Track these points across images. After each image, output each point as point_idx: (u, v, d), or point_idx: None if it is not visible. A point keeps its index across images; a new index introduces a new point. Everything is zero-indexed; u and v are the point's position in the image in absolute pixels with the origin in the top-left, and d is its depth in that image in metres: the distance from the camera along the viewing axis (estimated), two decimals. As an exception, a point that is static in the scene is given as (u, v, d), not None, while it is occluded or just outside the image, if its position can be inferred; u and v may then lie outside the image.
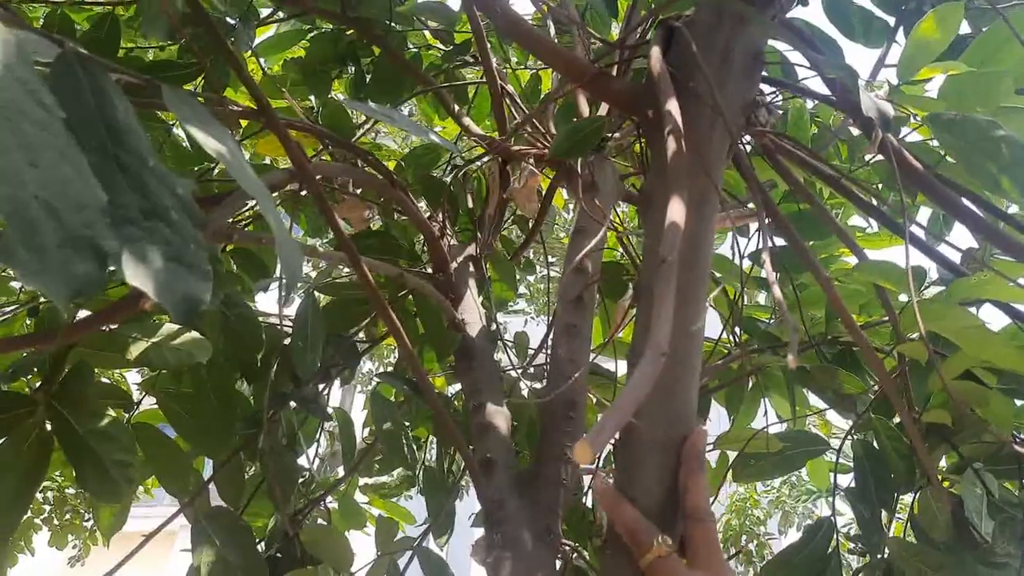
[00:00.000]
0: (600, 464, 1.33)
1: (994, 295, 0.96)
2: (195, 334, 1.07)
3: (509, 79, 1.73)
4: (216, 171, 1.56)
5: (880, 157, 0.89)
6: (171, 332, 1.05)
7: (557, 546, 1.03)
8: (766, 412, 1.38)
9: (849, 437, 1.29)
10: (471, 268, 1.47)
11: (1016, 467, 1.19)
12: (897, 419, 1.23)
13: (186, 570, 1.12)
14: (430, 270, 1.46)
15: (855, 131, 1.30)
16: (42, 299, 1.19)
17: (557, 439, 1.10)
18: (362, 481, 1.79)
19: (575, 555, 1.27)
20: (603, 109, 1.41)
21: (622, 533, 0.71)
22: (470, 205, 1.65)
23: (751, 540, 7.53)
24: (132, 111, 0.53)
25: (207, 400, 1.21)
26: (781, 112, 1.34)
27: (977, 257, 1.18)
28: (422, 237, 1.50)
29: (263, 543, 1.32)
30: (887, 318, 1.18)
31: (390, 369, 1.82)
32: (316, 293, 1.36)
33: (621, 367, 1.43)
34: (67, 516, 3.96)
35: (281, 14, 1.64)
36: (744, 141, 1.07)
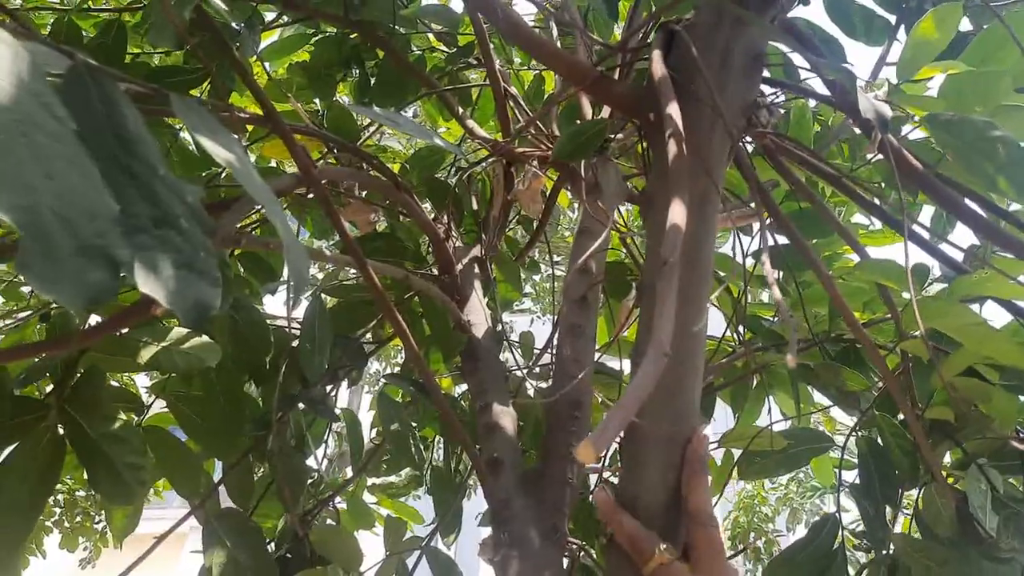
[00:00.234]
0: (606, 463, 1.33)
1: (995, 292, 0.97)
2: (205, 338, 1.08)
3: (512, 80, 1.74)
4: (223, 175, 1.57)
5: (880, 156, 0.90)
6: (181, 336, 1.07)
7: (564, 544, 1.04)
8: (770, 410, 1.39)
9: (853, 434, 1.30)
10: (476, 269, 1.48)
11: (1020, 463, 1.20)
12: (901, 416, 1.23)
13: (197, 572, 1.14)
14: (435, 272, 1.48)
15: (857, 130, 1.30)
16: (53, 305, 1.21)
17: (563, 438, 1.11)
18: (370, 481, 1.80)
19: (582, 553, 1.28)
20: (606, 111, 1.42)
21: (623, 543, 0.72)
22: (475, 207, 1.66)
23: (759, 537, 7.53)
24: (141, 121, 0.54)
25: (217, 403, 1.22)
26: (783, 112, 1.35)
27: (978, 255, 1.19)
28: (427, 239, 1.52)
29: (273, 544, 1.33)
30: (890, 316, 1.18)
31: (397, 370, 1.83)
32: (323, 295, 1.37)
33: (626, 366, 1.44)
34: (78, 519, 3.98)
35: (285, 19, 1.65)
36: (745, 142, 1.08)
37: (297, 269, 0.61)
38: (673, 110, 0.77)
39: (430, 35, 1.79)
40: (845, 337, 1.39)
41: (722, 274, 1.44)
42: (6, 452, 0.97)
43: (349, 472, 1.60)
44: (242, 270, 1.51)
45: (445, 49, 1.80)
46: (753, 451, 1.28)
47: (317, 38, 1.69)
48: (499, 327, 1.44)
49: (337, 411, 1.42)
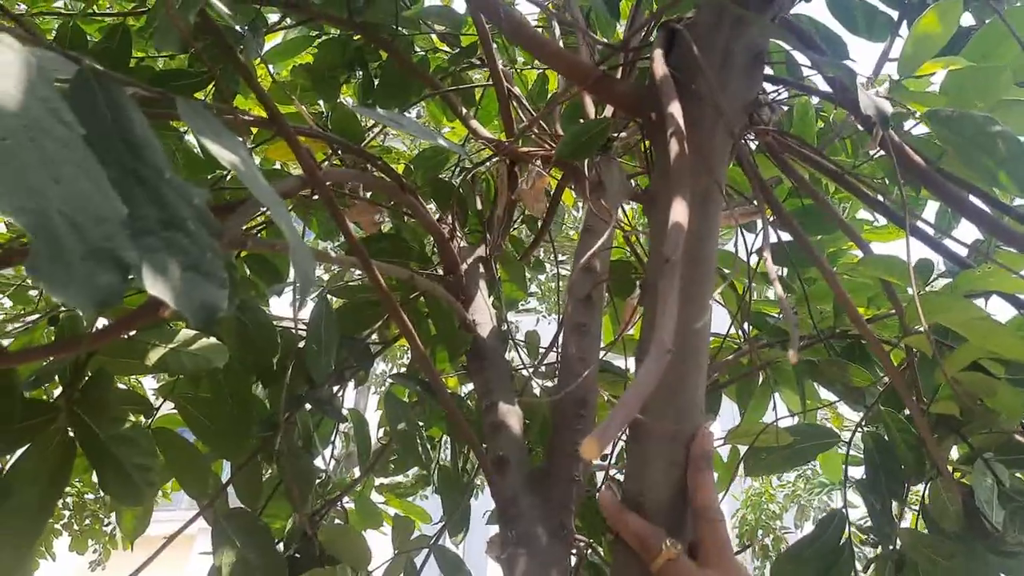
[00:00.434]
0: (611, 461, 1.34)
1: (999, 287, 0.97)
2: (212, 339, 1.09)
3: (515, 80, 1.75)
4: (228, 178, 1.58)
5: (882, 153, 0.90)
6: (188, 338, 1.07)
7: (571, 541, 1.05)
8: (775, 407, 1.39)
9: (859, 430, 1.30)
10: (481, 269, 1.49)
11: (1026, 457, 1.20)
12: (907, 411, 1.23)
13: (205, 573, 1.14)
14: (441, 272, 1.48)
15: (860, 127, 1.31)
16: (62, 308, 1.22)
17: (569, 436, 1.12)
18: (378, 481, 1.81)
19: (589, 551, 1.29)
20: (608, 110, 1.42)
21: (630, 542, 0.73)
22: (479, 207, 1.66)
23: (767, 534, 7.52)
24: (148, 125, 0.55)
25: (224, 404, 1.23)
26: (785, 110, 1.35)
27: (981, 250, 1.19)
28: (432, 239, 1.52)
29: (281, 544, 1.34)
30: (894, 311, 1.18)
31: (403, 370, 1.84)
32: (329, 296, 1.38)
33: (631, 365, 1.45)
34: (87, 521, 4.01)
35: (288, 21, 1.66)
36: (748, 140, 1.08)
37: (303, 270, 0.62)
38: (675, 109, 0.77)
39: (433, 36, 1.79)
40: (850, 333, 1.39)
41: (726, 271, 1.44)
42: (16, 455, 0.98)
43: (356, 472, 1.60)
44: (248, 272, 1.52)
45: (448, 50, 1.81)
46: (759, 447, 1.29)
47: (320, 40, 1.70)
48: (504, 326, 1.45)
49: (344, 412, 1.43)
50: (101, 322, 1.13)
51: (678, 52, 0.93)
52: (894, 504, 1.23)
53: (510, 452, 1.13)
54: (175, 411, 1.24)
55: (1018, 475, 1.20)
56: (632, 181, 1.47)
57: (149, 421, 1.23)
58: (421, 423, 1.54)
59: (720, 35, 0.90)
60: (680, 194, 0.67)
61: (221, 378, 1.23)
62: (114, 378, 1.04)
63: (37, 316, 1.30)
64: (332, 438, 1.64)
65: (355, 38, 1.65)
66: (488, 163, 1.63)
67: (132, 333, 1.07)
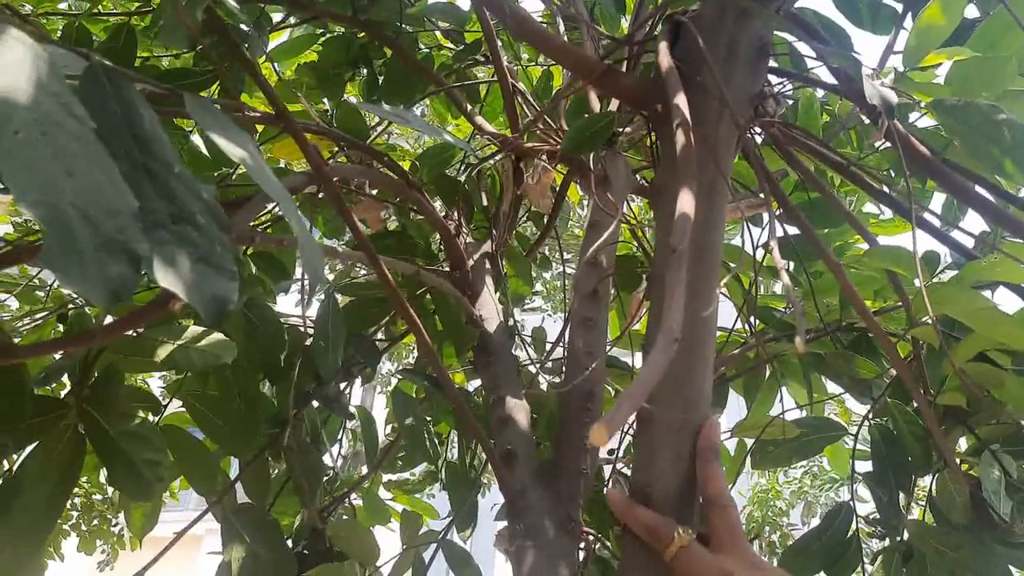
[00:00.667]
0: (618, 455, 1.34)
1: (1005, 277, 0.97)
2: (220, 336, 1.09)
3: (520, 77, 1.75)
4: (234, 176, 1.58)
5: (888, 144, 0.90)
6: (196, 334, 1.08)
7: (579, 534, 1.05)
8: (782, 399, 1.39)
9: (866, 422, 1.30)
10: (487, 265, 1.49)
11: (1033, 448, 1.20)
12: (914, 403, 1.24)
13: (213, 573, 1.15)
14: (447, 268, 1.48)
15: (866, 119, 1.31)
16: (71, 305, 1.22)
17: (576, 430, 1.12)
18: (385, 478, 1.81)
19: (598, 544, 1.29)
20: (614, 105, 1.42)
21: (642, 535, 0.73)
22: (484, 203, 1.66)
23: (774, 531, 7.51)
24: (157, 120, 0.56)
25: (233, 401, 1.23)
26: (791, 102, 1.35)
27: (987, 241, 1.19)
28: (438, 236, 1.52)
29: (290, 540, 1.34)
30: (901, 304, 1.18)
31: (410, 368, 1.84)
32: (336, 294, 1.38)
33: (638, 360, 1.45)
34: (95, 522, 4.02)
35: (293, 19, 1.66)
36: (753, 132, 1.08)
37: (311, 265, 0.62)
38: (680, 100, 0.77)
39: (437, 33, 1.80)
40: (856, 326, 1.39)
41: (732, 265, 1.44)
42: (25, 452, 0.99)
43: (364, 470, 1.61)
44: (255, 269, 1.53)
45: (452, 47, 1.81)
46: (766, 440, 1.29)
47: (325, 38, 1.70)
48: (511, 321, 1.45)
49: (351, 409, 1.43)
50: (108, 320, 1.14)
51: (683, 45, 0.93)
52: (901, 496, 1.24)
53: (518, 446, 1.13)
54: (182, 410, 1.24)
55: (1025, 466, 1.20)
56: (637, 176, 1.48)
57: (157, 419, 1.23)
58: (428, 418, 1.55)
59: (725, 28, 0.90)
60: (686, 185, 0.67)
61: (229, 375, 1.24)
62: (123, 375, 1.04)
63: (46, 313, 1.31)
64: (339, 436, 1.65)
65: (359, 36, 1.66)
66: (493, 159, 1.63)
67: (141, 330, 1.07)
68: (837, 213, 1.32)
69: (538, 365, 1.52)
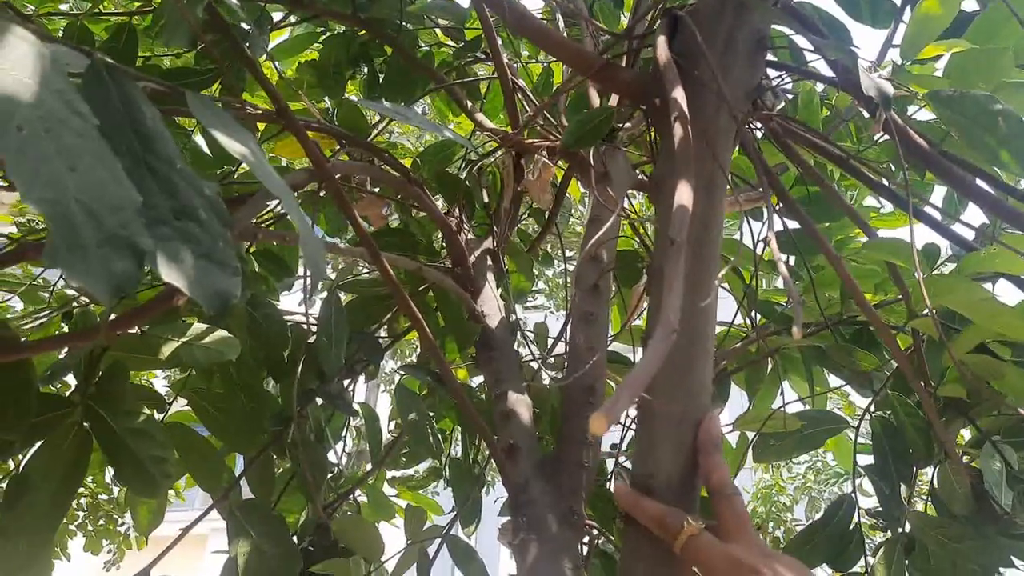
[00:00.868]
0: (620, 449, 1.35)
1: (1004, 268, 0.98)
2: (224, 332, 1.10)
3: (520, 74, 1.75)
4: (236, 175, 1.59)
5: (887, 137, 0.90)
6: (200, 332, 1.08)
7: (582, 527, 1.06)
8: (783, 393, 1.39)
9: (867, 415, 1.31)
10: (489, 261, 1.50)
11: (1034, 439, 1.20)
12: (915, 395, 1.24)
13: (219, 572, 1.16)
14: (448, 265, 1.49)
15: (865, 113, 1.31)
16: (75, 304, 1.23)
17: (578, 424, 1.13)
18: (390, 474, 1.82)
19: (601, 538, 1.29)
20: (613, 100, 1.43)
21: (650, 527, 0.73)
22: (486, 199, 1.67)
23: (778, 527, 7.51)
24: (159, 117, 0.56)
25: (237, 398, 1.24)
26: (790, 96, 1.35)
27: (987, 233, 1.19)
28: (440, 234, 1.53)
29: (295, 537, 1.35)
30: (901, 297, 1.19)
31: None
32: (338, 292, 1.39)
33: (638, 354, 1.45)
34: (100, 522, 4.03)
35: (293, 18, 1.67)
36: (752, 126, 1.09)
37: (314, 260, 0.63)
38: (678, 94, 0.78)
39: (437, 31, 1.80)
40: (857, 319, 1.39)
41: (731, 259, 1.44)
42: (31, 451, 1.00)
43: (368, 468, 1.62)
44: (258, 267, 1.53)
45: (452, 44, 1.81)
46: (768, 433, 1.29)
47: (325, 36, 1.71)
48: (512, 317, 1.45)
49: (355, 406, 1.44)
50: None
51: (681, 39, 0.94)
52: (903, 488, 1.24)
53: (520, 440, 1.14)
54: (187, 408, 1.25)
55: (1027, 457, 1.20)
56: (637, 171, 1.48)
57: (162, 417, 1.24)
58: (432, 414, 1.56)
59: (723, 21, 0.91)
60: (685, 177, 0.67)
61: (233, 373, 1.24)
62: (129, 372, 1.05)
63: (51, 312, 1.32)
64: (343, 433, 1.65)
65: (360, 34, 1.66)
66: (494, 156, 1.63)
67: (145, 328, 1.08)
68: (837, 207, 1.32)
69: (540, 360, 1.53)
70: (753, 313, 1.41)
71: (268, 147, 1.62)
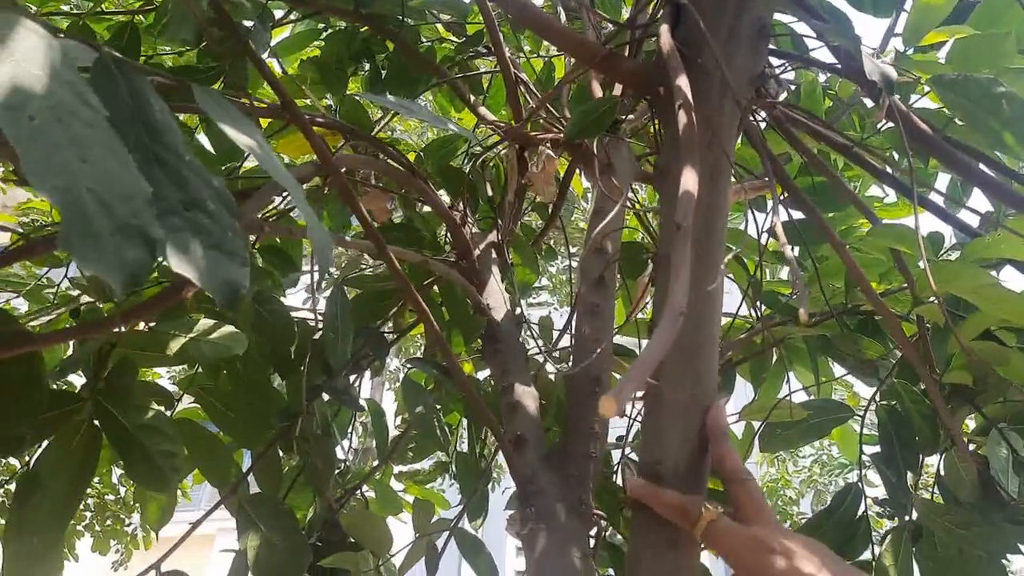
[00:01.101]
0: (628, 439, 1.35)
1: (1009, 253, 0.98)
2: (231, 328, 1.10)
3: (523, 67, 1.75)
4: (240, 170, 1.59)
5: (891, 124, 0.90)
6: (208, 327, 1.09)
7: (590, 516, 1.06)
8: (789, 383, 1.40)
9: (873, 403, 1.31)
10: (493, 254, 1.50)
11: (1041, 425, 1.20)
12: (921, 383, 1.24)
13: (226, 572, 1.16)
14: (453, 258, 1.49)
15: (869, 102, 1.31)
16: (83, 300, 1.23)
17: (584, 415, 1.13)
18: (397, 469, 1.82)
19: (608, 529, 1.30)
20: (616, 91, 1.43)
21: (668, 515, 0.73)
22: (489, 193, 1.67)
23: (784, 520, 7.51)
24: (167, 109, 0.56)
25: (244, 394, 1.24)
26: (793, 85, 1.36)
27: (991, 219, 1.19)
28: (444, 228, 1.53)
29: (304, 532, 1.35)
30: (906, 286, 1.19)
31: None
32: (344, 287, 1.39)
33: (644, 346, 1.45)
34: (108, 522, 4.05)
35: (295, 15, 1.67)
36: (756, 115, 1.09)
37: (321, 250, 0.63)
38: (682, 82, 0.78)
39: (439, 25, 1.80)
40: (862, 308, 1.39)
41: (736, 249, 1.45)
42: (41, 448, 1.00)
43: (375, 464, 1.62)
44: (260, 262, 1.54)
45: (455, 39, 1.82)
46: (774, 423, 1.29)
47: (327, 33, 1.71)
48: (517, 310, 1.46)
49: (361, 402, 1.45)
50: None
51: (684, 27, 0.94)
52: (909, 476, 1.24)
53: (527, 431, 1.14)
54: (194, 405, 1.26)
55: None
56: (641, 163, 1.48)
57: (171, 413, 1.25)
58: (438, 407, 1.56)
59: (726, 9, 0.91)
60: (690, 164, 0.68)
61: (240, 369, 1.25)
62: (137, 368, 1.06)
63: (58, 310, 1.32)
64: (349, 430, 1.66)
65: (362, 30, 1.66)
66: (498, 149, 1.64)
67: (153, 324, 1.08)
68: (841, 196, 1.32)
69: (546, 352, 1.53)
70: (758, 304, 1.41)
71: (272, 144, 1.62)
